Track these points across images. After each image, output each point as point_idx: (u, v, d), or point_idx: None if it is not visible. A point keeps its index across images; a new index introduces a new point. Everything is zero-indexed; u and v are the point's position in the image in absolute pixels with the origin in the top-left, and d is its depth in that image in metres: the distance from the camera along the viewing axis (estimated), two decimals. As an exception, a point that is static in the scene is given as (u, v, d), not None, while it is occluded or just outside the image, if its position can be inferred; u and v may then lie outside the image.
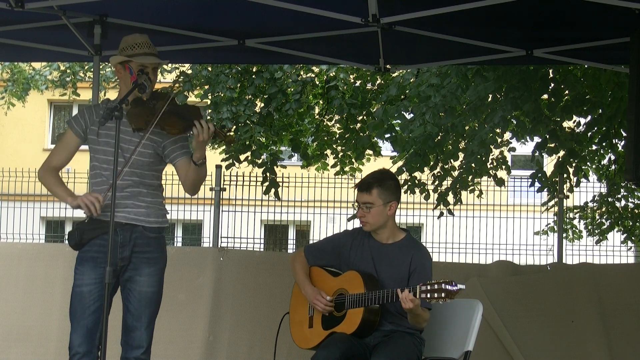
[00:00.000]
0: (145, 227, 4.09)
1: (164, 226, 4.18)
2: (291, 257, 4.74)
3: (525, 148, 10.68)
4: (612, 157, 9.99)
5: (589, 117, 8.91)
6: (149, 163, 4.11)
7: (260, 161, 10.34)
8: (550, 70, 8.18)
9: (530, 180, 9.19)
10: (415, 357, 4.28)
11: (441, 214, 9.78)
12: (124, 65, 4.10)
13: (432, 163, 9.35)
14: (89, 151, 4.18)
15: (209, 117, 9.75)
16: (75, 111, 16.87)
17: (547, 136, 8.56)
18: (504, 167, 9.43)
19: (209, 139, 3.96)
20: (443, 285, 4.00)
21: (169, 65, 11.41)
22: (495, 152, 9.31)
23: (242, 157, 10.31)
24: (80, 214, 4.13)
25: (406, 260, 4.38)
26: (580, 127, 9.14)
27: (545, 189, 9.39)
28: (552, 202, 9.67)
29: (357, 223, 4.66)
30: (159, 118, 3.93)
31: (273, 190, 10.09)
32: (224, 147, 10.77)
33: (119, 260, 4.03)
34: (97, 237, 4.05)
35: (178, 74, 11.07)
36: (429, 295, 4.03)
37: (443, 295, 3.99)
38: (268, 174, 10.18)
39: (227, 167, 10.06)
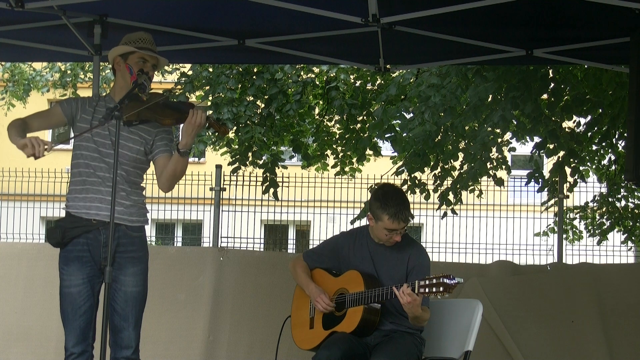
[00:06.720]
0: (127, 227, 4.08)
1: (145, 225, 4.19)
2: (291, 263, 4.73)
3: (525, 148, 10.65)
4: (612, 157, 9.98)
5: (589, 117, 8.89)
6: (135, 159, 4.12)
7: (261, 162, 10.34)
8: (550, 70, 8.16)
9: (527, 179, 9.16)
10: (415, 357, 4.29)
11: (445, 214, 9.76)
12: (124, 62, 4.13)
13: (432, 163, 9.33)
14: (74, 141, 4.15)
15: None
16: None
17: (547, 137, 8.54)
18: (504, 167, 9.41)
19: (199, 128, 3.96)
20: (441, 279, 3.99)
21: (170, 66, 11.38)
22: (496, 152, 9.29)
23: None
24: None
25: (404, 259, 4.39)
26: (580, 127, 9.12)
27: (546, 189, 9.36)
28: (552, 202, 9.65)
29: (357, 224, 4.67)
30: (152, 110, 3.95)
31: (272, 190, 10.09)
32: (225, 149, 10.76)
33: (102, 259, 4.00)
34: (79, 235, 4.04)
35: (179, 75, 11.05)
36: (427, 290, 4.02)
37: (441, 289, 3.98)
38: (268, 174, 10.18)
39: (234, 171, 10.05)
